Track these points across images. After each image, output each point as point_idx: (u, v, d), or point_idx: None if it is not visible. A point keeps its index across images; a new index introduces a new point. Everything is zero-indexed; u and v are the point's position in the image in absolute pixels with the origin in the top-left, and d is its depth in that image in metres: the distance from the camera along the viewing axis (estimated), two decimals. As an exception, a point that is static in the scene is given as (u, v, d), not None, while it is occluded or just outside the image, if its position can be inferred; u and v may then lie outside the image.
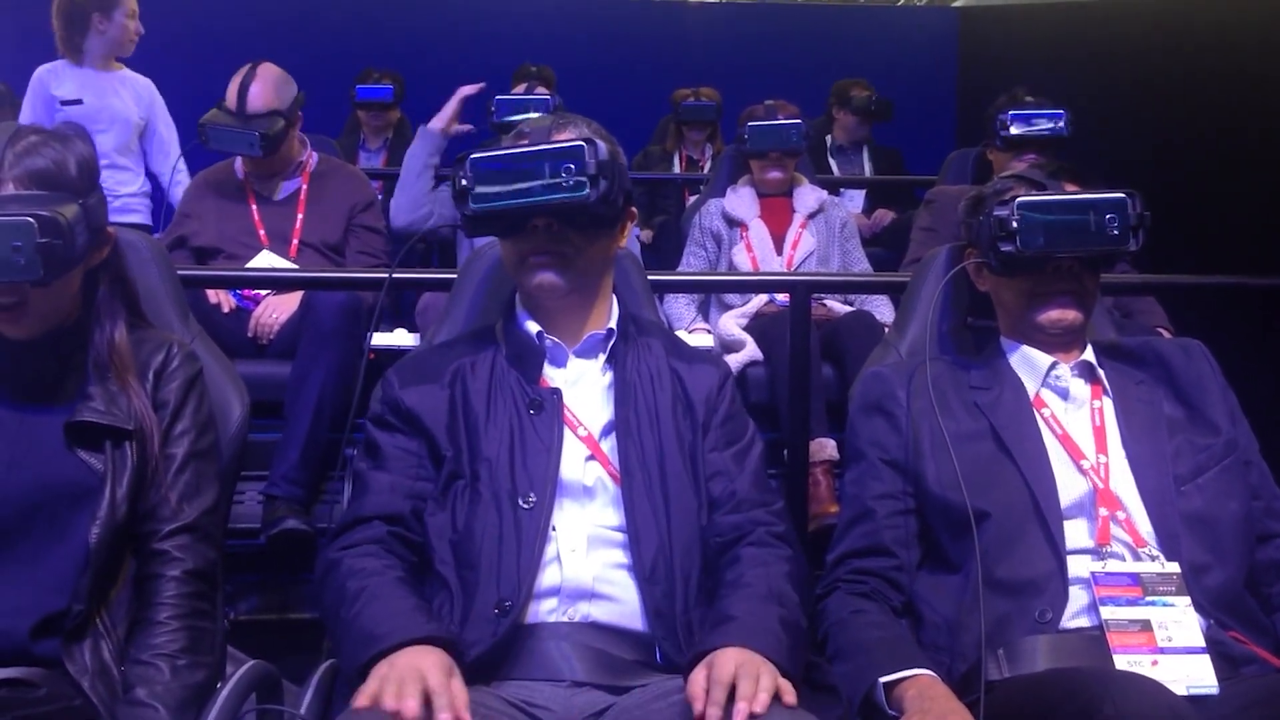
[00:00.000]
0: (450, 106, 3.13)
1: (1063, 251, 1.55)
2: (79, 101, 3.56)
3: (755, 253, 3.26)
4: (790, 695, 1.20)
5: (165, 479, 1.43)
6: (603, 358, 1.55)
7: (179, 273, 1.74)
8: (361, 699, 1.16)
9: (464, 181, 1.45)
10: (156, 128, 3.72)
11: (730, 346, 2.99)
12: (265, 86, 2.88)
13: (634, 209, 1.61)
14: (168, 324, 1.64)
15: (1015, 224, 1.54)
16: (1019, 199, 1.56)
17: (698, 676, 1.21)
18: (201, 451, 1.48)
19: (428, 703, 1.15)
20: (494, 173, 1.45)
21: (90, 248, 1.39)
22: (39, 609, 1.33)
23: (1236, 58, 3.74)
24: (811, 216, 3.32)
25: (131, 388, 1.43)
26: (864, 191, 4.91)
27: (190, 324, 1.69)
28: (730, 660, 1.21)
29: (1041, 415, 1.58)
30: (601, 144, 1.45)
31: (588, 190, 1.43)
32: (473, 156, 1.45)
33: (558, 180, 1.43)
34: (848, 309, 3.15)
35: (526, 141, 1.49)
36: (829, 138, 5.04)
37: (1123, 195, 1.56)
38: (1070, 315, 1.59)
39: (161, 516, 1.42)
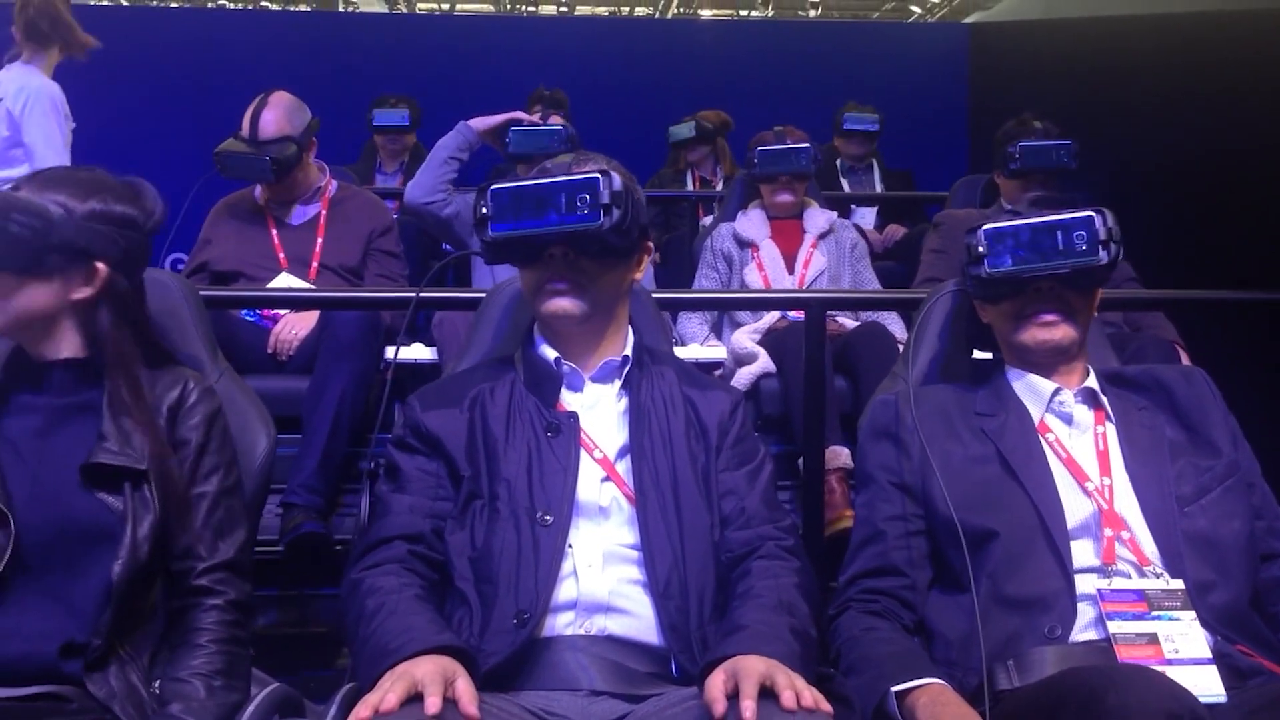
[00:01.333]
0: (499, 117, 3.13)
1: (1029, 272, 1.59)
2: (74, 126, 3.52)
3: (767, 272, 3.30)
4: (825, 703, 1.21)
5: (198, 518, 1.46)
6: (618, 383, 1.59)
7: (202, 294, 1.77)
8: (362, 709, 1.17)
9: (484, 210, 1.51)
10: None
11: (743, 359, 3.02)
12: (277, 113, 2.93)
13: (650, 243, 1.66)
14: (198, 360, 1.67)
15: (980, 249, 1.61)
16: (984, 226, 1.63)
17: (715, 680, 1.23)
18: (230, 488, 1.51)
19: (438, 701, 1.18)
20: (513, 202, 1.51)
21: (61, 262, 1.42)
22: (63, 635, 1.36)
23: (1247, 73, 3.74)
24: (822, 237, 3.36)
25: (147, 426, 1.45)
26: (875, 209, 4.94)
27: (219, 360, 1.72)
28: (754, 663, 1.23)
29: (1046, 440, 1.61)
30: (616, 176, 1.51)
31: (601, 219, 1.48)
32: (493, 187, 1.52)
33: (573, 209, 1.48)
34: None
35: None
36: (839, 161, 5.08)
37: (1090, 213, 1.60)
38: (1056, 334, 1.62)
39: (198, 555, 1.45)
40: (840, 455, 2.79)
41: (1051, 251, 1.59)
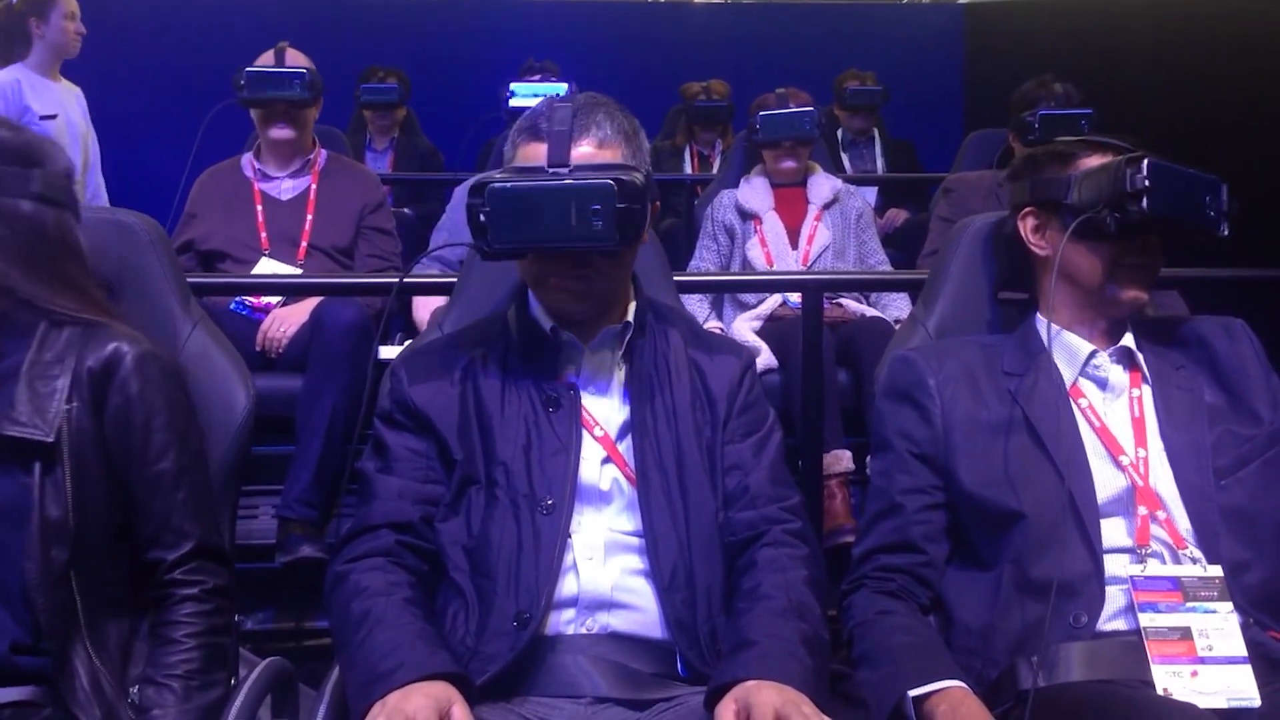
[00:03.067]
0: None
1: (1182, 220, 1.49)
2: (54, 116, 3.54)
3: (769, 248, 3.20)
4: None
5: (157, 502, 1.35)
6: (619, 353, 1.49)
7: (189, 280, 1.68)
8: None
9: (482, 217, 1.35)
10: (91, 140, 3.70)
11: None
12: (299, 56, 2.92)
13: (658, 203, 1.51)
14: (167, 309, 1.58)
15: (1147, 183, 1.46)
16: (1150, 160, 1.48)
17: (725, 714, 1.17)
18: (189, 464, 1.37)
19: None
20: (514, 209, 1.35)
21: None
22: (7, 634, 1.27)
23: (1245, 51, 3.71)
24: (826, 207, 3.26)
25: (60, 391, 1.30)
26: (876, 189, 4.88)
27: (192, 309, 1.62)
28: (769, 695, 1.17)
29: (1078, 405, 1.51)
30: (633, 176, 1.36)
31: (617, 238, 1.34)
32: (492, 186, 1.34)
33: (585, 224, 1.33)
34: (864, 308, 3.10)
35: (544, 151, 1.39)
36: (840, 132, 5.00)
37: (1218, 180, 1.52)
38: (1145, 297, 1.54)
39: (166, 543, 1.36)
40: (842, 459, 2.72)
41: (1195, 206, 1.49)
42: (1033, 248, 1.59)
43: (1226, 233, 1.49)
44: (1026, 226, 1.60)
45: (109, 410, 1.33)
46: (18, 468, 1.28)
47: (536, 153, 1.40)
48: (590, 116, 1.43)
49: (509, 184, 1.35)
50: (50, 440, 1.28)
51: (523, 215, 1.34)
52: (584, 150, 1.40)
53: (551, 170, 1.37)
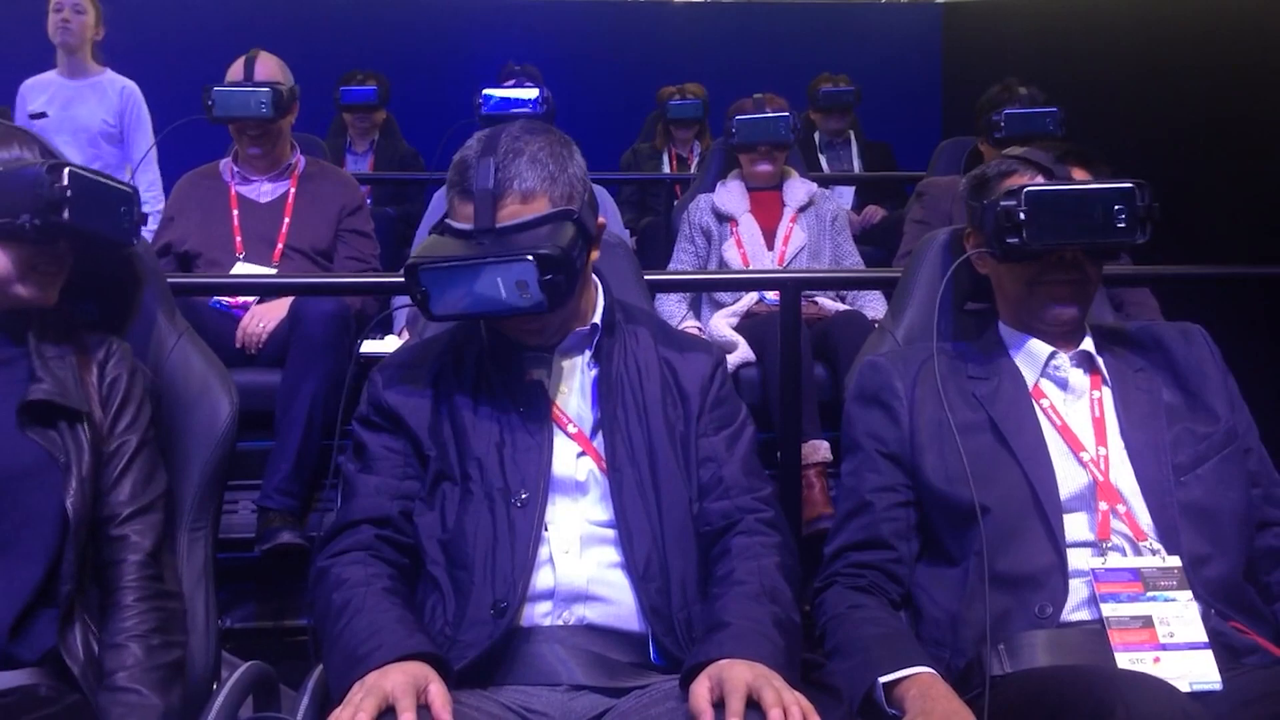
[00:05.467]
0: None
1: (1070, 244, 1.51)
2: (44, 115, 3.60)
3: (745, 249, 3.24)
4: (814, 714, 1.18)
5: (118, 467, 1.43)
6: (588, 354, 1.53)
7: (169, 280, 1.71)
8: None
9: (419, 295, 1.40)
10: (129, 136, 3.70)
11: (722, 348, 2.97)
12: (270, 65, 2.92)
13: (603, 220, 1.53)
14: (153, 322, 1.61)
15: (1023, 216, 1.49)
16: (1027, 190, 1.50)
17: (700, 689, 1.19)
18: (150, 439, 1.48)
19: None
20: (448, 283, 1.39)
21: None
22: (20, 596, 1.32)
23: (1221, 48, 3.75)
24: (802, 210, 3.30)
25: (79, 374, 1.43)
26: (853, 188, 4.91)
27: (177, 320, 1.65)
28: (741, 671, 1.19)
29: (1040, 406, 1.56)
30: (556, 239, 1.37)
31: (546, 305, 1.37)
32: (422, 270, 1.39)
33: (513, 292, 1.37)
34: (839, 305, 3.14)
35: (471, 208, 1.40)
36: (817, 134, 5.04)
37: (1130, 185, 1.52)
38: (1070, 312, 1.56)
39: (118, 502, 1.42)
40: (820, 449, 2.76)
41: (1090, 224, 1.49)
42: (977, 265, 1.66)
43: (1141, 240, 1.51)
44: (970, 246, 1.66)
45: (101, 391, 1.45)
46: (42, 432, 1.38)
47: (466, 212, 1.41)
48: (513, 169, 1.41)
49: (434, 268, 1.39)
50: (86, 410, 1.41)
51: (454, 289, 1.39)
52: (510, 208, 1.39)
53: (477, 235, 1.39)
